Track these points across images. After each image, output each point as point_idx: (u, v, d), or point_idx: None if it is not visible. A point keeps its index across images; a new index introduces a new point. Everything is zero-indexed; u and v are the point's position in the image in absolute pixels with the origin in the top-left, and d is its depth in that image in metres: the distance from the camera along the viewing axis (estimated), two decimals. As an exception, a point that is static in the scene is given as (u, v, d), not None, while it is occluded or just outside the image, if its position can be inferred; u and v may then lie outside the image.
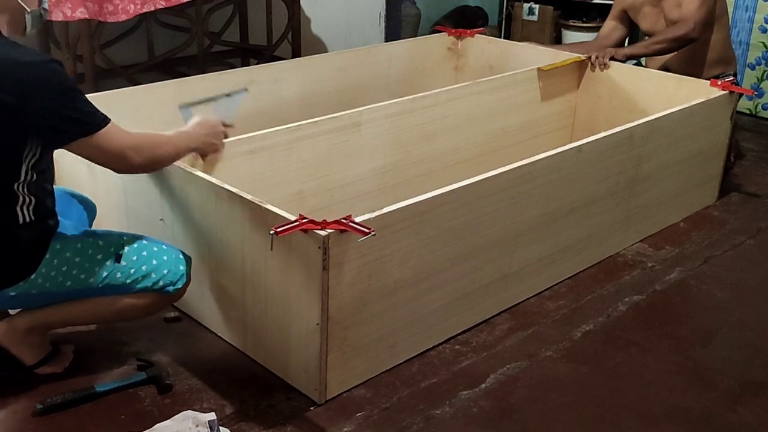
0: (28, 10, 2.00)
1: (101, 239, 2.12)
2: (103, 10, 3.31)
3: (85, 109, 1.94)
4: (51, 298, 2.09)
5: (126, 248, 2.12)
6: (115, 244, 2.12)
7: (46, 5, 2.07)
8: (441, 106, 3.24)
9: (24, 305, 2.13)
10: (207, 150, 2.31)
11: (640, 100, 3.59)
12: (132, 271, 2.11)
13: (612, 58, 3.70)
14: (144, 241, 2.17)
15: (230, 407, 2.10)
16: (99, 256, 2.09)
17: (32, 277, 2.02)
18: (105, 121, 1.97)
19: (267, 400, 2.14)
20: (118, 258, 2.10)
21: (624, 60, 3.71)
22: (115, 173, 2.14)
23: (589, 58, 3.73)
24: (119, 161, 2.02)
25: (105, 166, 2.05)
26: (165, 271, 2.14)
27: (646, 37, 3.85)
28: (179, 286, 2.17)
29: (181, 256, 2.20)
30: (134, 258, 2.12)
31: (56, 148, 2.00)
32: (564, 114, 3.84)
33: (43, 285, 2.04)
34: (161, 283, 2.14)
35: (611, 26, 4.02)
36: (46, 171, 2.03)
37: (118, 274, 2.10)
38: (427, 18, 5.71)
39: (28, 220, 1.99)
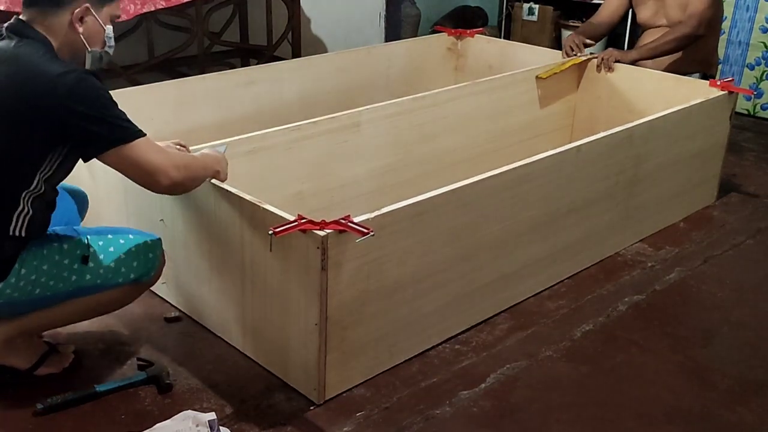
0: (89, 49, 2.01)
1: (65, 242, 2.07)
2: (103, 11, 3.31)
3: (120, 117, 1.93)
4: (22, 307, 2.06)
5: (92, 248, 2.09)
6: (80, 245, 2.08)
7: (110, 50, 2.07)
8: (441, 106, 3.24)
9: None
10: (219, 177, 2.23)
11: (639, 100, 3.59)
12: (101, 271, 2.09)
13: (617, 61, 3.67)
14: (109, 236, 2.14)
15: (230, 407, 2.11)
16: (65, 261, 2.05)
17: (0, 286, 1.98)
18: (139, 133, 1.95)
19: (267, 400, 2.14)
20: (84, 260, 2.07)
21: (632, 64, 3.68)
22: (148, 190, 2.03)
23: (595, 58, 3.72)
24: (158, 174, 1.95)
25: (141, 182, 1.99)
26: (134, 264, 2.13)
27: (647, 31, 3.82)
28: (151, 275, 2.17)
29: (150, 241, 2.18)
30: (101, 257, 2.09)
31: (88, 158, 1.97)
32: (563, 114, 3.84)
33: (12, 295, 2.00)
34: (132, 276, 2.13)
35: (615, 8, 3.90)
36: (54, 191, 2.03)
37: (87, 276, 2.08)
38: (427, 18, 5.71)
39: (18, 233, 1.97)
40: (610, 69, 3.69)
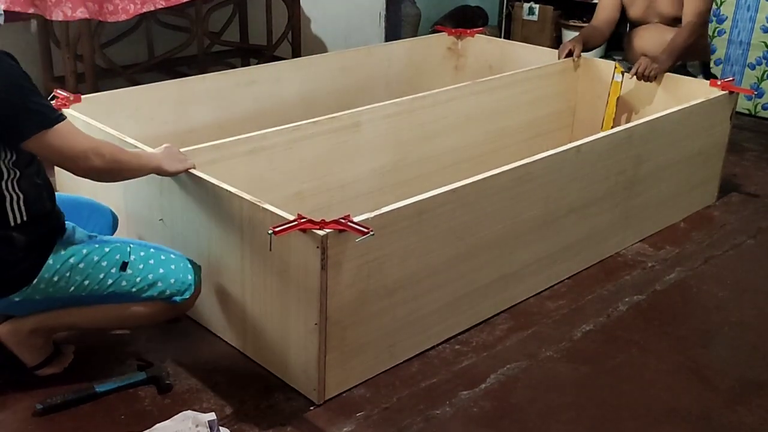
0: None
1: (108, 246, 2.10)
2: (103, 10, 3.31)
3: (41, 102, 1.91)
4: (55, 304, 2.08)
5: (132, 256, 2.10)
6: (121, 251, 2.10)
7: None
8: (441, 106, 3.24)
9: (29, 310, 2.12)
10: (168, 173, 2.23)
11: (639, 100, 3.59)
12: (138, 279, 2.09)
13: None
14: (152, 250, 2.16)
15: (230, 407, 2.10)
16: (104, 264, 2.07)
17: (35, 282, 2.01)
18: (61, 117, 1.94)
19: (267, 400, 2.14)
20: (123, 266, 2.08)
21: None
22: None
23: (626, 70, 3.57)
24: (79, 160, 1.95)
25: (64, 167, 2.00)
26: (172, 281, 2.12)
27: (638, 29, 3.79)
28: (186, 297, 2.15)
29: (190, 266, 2.18)
30: (140, 266, 2.10)
31: (14, 146, 1.93)
32: (563, 114, 3.84)
33: (47, 290, 2.03)
34: (168, 293, 2.12)
35: (611, 8, 3.83)
36: (30, 166, 2.00)
37: (123, 283, 2.09)
38: (427, 18, 5.71)
39: (20, 220, 1.97)
40: (649, 80, 3.50)
